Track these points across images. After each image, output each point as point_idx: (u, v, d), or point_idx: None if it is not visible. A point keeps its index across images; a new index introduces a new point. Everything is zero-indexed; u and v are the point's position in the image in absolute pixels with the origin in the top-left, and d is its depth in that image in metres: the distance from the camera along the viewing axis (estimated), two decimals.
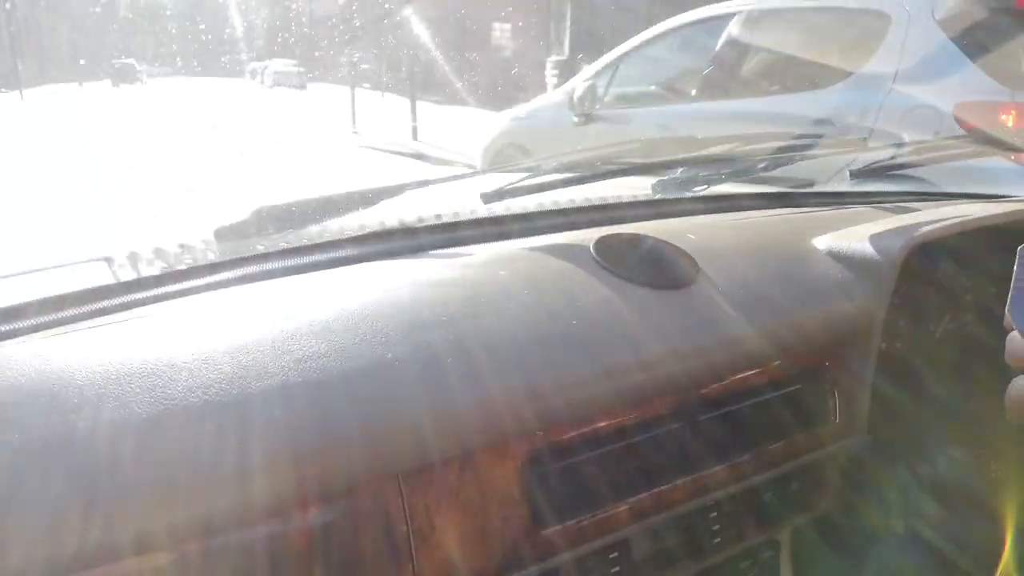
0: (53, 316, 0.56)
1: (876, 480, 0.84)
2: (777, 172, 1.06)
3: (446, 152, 9.52)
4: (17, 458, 0.43)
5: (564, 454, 0.63)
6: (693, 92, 3.64)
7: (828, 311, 0.80)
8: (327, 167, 8.79)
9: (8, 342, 0.52)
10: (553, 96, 4.54)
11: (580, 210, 0.92)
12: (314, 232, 0.76)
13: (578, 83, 4.00)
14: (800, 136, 1.16)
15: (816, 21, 3.35)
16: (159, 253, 0.71)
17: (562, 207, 0.91)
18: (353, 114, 12.80)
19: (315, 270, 0.68)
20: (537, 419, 0.60)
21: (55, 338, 0.52)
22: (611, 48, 4.12)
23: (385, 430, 0.53)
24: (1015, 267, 0.52)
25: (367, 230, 0.77)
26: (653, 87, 4.02)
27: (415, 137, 11.04)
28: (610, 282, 0.69)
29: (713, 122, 3.36)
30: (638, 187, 1.04)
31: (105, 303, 0.58)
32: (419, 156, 9.50)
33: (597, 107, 3.86)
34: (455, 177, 0.88)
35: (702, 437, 0.70)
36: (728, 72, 3.51)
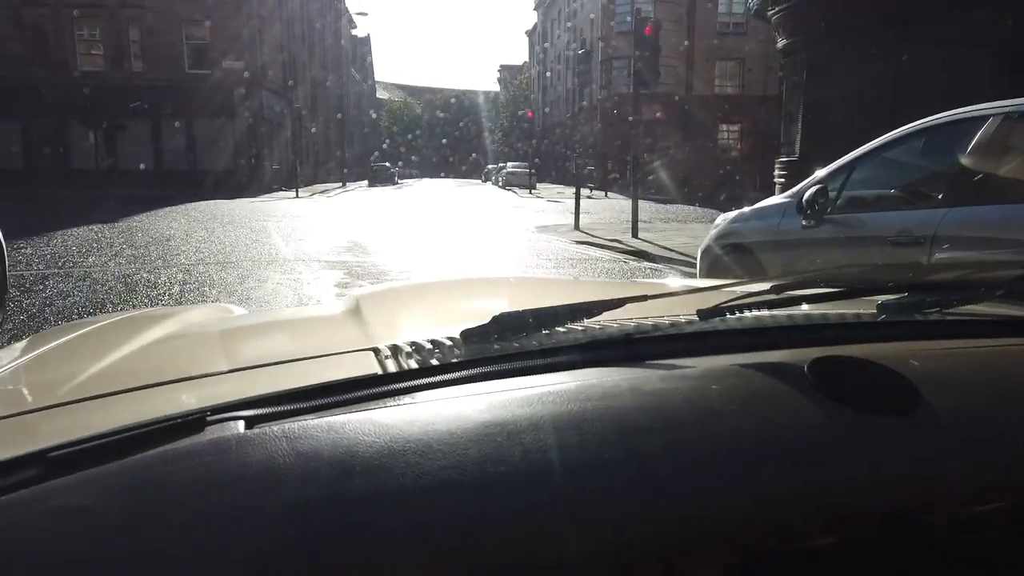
0: (340, 397, 0.70)
1: None
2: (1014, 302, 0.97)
3: (665, 251, 9.57)
4: (322, 510, 0.55)
5: (766, 569, 0.62)
6: (939, 196, 3.39)
7: None
8: (552, 260, 9.22)
9: (308, 416, 0.66)
10: (777, 198, 4.43)
11: (796, 329, 0.91)
12: (544, 338, 0.85)
13: (808, 185, 3.89)
14: None
15: None
16: (415, 347, 0.83)
17: (778, 325, 0.91)
18: (577, 213, 13.35)
19: (545, 372, 0.76)
20: (739, 529, 0.61)
21: (341, 415, 0.64)
22: (841, 150, 3.97)
23: (591, 521, 0.58)
24: None
25: (593, 338, 0.84)
26: (893, 191, 3.80)
27: (635, 235, 11.23)
28: (823, 403, 0.69)
29: (960, 227, 3.10)
30: (859, 309, 0.99)
31: (376, 389, 0.71)
32: (639, 254, 9.64)
33: (828, 210, 3.72)
34: (672, 293, 0.93)
35: (917, 570, 0.65)
36: (982, 176, 3.24)
